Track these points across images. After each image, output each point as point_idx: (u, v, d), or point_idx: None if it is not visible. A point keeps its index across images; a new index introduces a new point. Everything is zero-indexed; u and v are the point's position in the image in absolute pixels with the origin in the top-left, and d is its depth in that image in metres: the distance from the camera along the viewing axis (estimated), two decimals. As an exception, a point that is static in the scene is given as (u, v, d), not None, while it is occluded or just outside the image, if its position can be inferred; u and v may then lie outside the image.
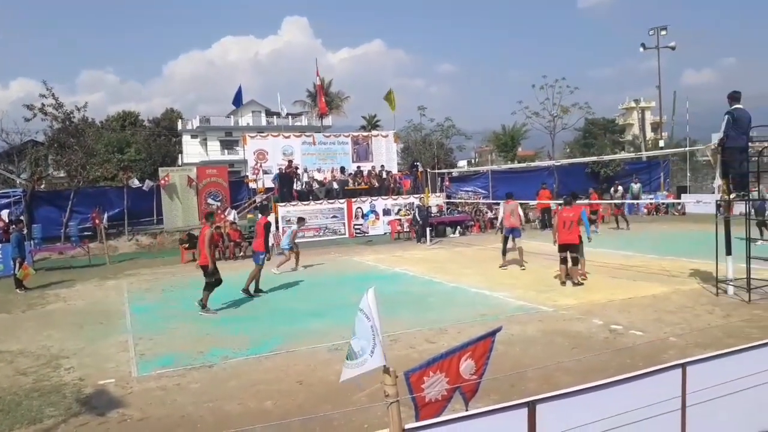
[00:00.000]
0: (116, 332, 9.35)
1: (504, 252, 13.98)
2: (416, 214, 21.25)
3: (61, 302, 12.30)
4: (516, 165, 31.88)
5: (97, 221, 20.22)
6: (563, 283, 11.49)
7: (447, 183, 28.07)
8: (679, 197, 28.68)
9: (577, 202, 12.36)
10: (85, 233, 21.68)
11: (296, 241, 15.59)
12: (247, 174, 25.31)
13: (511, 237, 13.85)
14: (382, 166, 25.16)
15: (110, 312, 10.99)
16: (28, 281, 14.21)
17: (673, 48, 35.67)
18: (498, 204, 24.81)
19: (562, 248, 11.49)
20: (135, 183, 23.31)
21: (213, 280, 10.39)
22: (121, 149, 33.53)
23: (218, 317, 10.15)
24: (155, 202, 23.86)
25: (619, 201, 22.70)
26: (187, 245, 18.29)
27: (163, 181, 23.33)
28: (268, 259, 12.33)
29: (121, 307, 11.45)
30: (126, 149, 33.90)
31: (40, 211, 22.17)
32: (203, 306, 10.33)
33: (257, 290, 11.91)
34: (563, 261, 11.56)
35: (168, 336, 8.98)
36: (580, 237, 11.50)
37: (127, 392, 6.45)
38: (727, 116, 9.44)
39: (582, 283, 11.48)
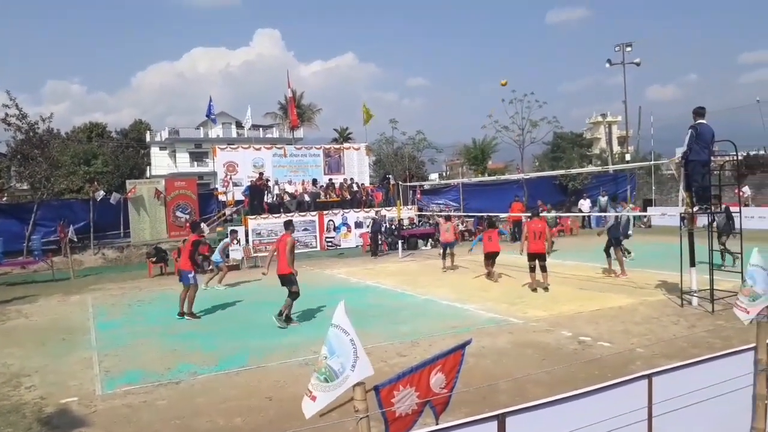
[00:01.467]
0: (80, 349, 9.11)
1: (444, 257, 16.17)
2: (371, 227, 21.21)
3: (23, 318, 11.94)
4: (486, 178, 32.18)
5: (62, 234, 19.73)
6: (534, 290, 11.92)
7: (419, 196, 28.23)
8: (645, 210, 29.30)
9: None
10: (49, 247, 21.16)
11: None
12: (216, 186, 25.04)
13: (448, 248, 16.14)
14: (352, 179, 25.18)
15: (74, 328, 10.71)
16: (-12, 297, 13.79)
17: (638, 64, 36.52)
18: (471, 217, 25.35)
19: (531, 257, 12.01)
20: (100, 195, 22.82)
21: (295, 289, 10.16)
22: (88, 161, 32.91)
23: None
24: (122, 215, 23.42)
25: (573, 215, 23.00)
26: (154, 259, 18.00)
27: (129, 193, 22.94)
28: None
29: (85, 322, 11.17)
30: (93, 161, 33.28)
31: (1, 225, 21.54)
32: (286, 317, 10.05)
33: (190, 314, 11.03)
34: (532, 269, 12.06)
35: (134, 352, 8.78)
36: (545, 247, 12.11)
37: (91, 411, 6.27)
38: (690, 130, 9.70)
39: (547, 289, 11.94)
